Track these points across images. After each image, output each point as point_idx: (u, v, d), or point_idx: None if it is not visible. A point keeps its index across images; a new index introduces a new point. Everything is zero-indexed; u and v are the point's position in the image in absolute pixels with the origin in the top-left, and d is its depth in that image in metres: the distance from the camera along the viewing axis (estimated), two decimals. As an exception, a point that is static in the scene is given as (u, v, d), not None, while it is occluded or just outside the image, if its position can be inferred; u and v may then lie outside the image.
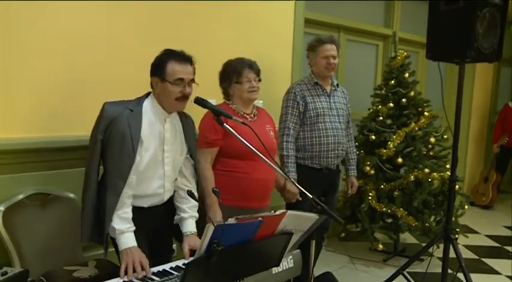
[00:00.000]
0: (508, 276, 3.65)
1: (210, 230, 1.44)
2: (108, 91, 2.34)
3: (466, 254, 4.06)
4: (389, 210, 3.65)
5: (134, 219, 1.95)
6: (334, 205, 3.27)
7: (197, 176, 2.25)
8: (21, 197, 2.21)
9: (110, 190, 1.90)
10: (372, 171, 3.74)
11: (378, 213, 3.73)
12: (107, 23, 2.52)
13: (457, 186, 3.25)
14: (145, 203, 2.05)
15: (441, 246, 2.97)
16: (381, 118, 3.82)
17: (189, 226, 2.10)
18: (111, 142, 1.92)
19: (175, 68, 1.96)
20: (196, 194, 2.05)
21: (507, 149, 5.90)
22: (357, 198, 3.76)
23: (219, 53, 2.69)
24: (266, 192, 2.48)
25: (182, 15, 2.84)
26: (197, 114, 2.31)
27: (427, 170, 3.61)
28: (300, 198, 2.73)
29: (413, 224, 3.60)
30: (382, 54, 4.87)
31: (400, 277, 3.01)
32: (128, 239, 1.89)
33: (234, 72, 2.44)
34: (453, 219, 3.59)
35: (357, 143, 3.85)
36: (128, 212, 1.93)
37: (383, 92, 3.94)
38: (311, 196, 1.84)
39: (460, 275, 2.87)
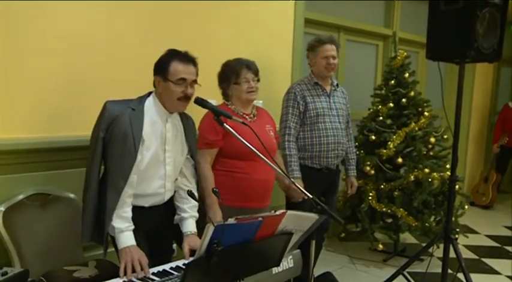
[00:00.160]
0: (508, 276, 3.65)
1: (210, 230, 1.44)
2: (108, 91, 2.34)
3: (466, 254, 4.06)
4: (389, 210, 3.65)
5: (134, 219, 1.95)
6: (334, 205, 3.27)
7: (197, 176, 2.25)
8: (21, 197, 2.21)
9: (111, 189, 1.90)
10: (372, 171, 3.74)
11: (378, 213, 3.73)
12: (107, 23, 2.52)
13: (457, 186, 3.25)
14: (146, 203, 2.05)
15: (441, 246, 2.97)
16: (381, 118, 3.82)
17: (189, 226, 2.10)
18: (112, 141, 1.92)
19: (178, 68, 1.96)
20: (196, 194, 2.05)
21: (507, 149, 5.90)
22: (357, 198, 3.76)
23: (219, 53, 2.69)
24: (266, 193, 2.48)
25: (182, 15, 2.84)
26: (197, 114, 2.31)
27: (427, 170, 3.61)
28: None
29: (413, 224, 3.60)
30: (382, 54, 4.87)
31: (400, 277, 3.01)
32: (127, 238, 1.89)
33: (232, 73, 2.43)
34: (453, 219, 3.59)
35: (357, 143, 3.85)
36: (127, 211, 1.93)
37: (383, 92, 3.94)
38: (311, 196, 1.84)
39: (460, 275, 2.87)
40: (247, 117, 2.47)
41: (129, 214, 1.94)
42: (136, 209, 1.98)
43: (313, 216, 1.78)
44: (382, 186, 3.69)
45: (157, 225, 2.12)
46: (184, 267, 1.86)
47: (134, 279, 1.76)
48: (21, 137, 2.27)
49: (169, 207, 2.15)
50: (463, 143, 5.93)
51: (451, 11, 2.64)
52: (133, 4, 2.60)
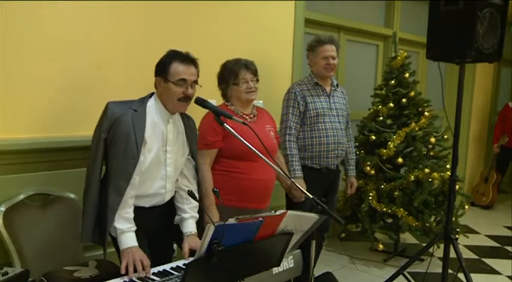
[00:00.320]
0: (508, 276, 3.65)
1: (210, 230, 1.44)
2: (109, 92, 2.34)
3: (467, 254, 4.07)
4: (389, 210, 3.65)
5: (135, 219, 1.95)
6: (334, 205, 3.27)
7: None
8: (21, 197, 2.21)
9: (113, 190, 1.89)
10: (372, 171, 3.74)
11: (378, 213, 3.72)
12: (109, 24, 2.52)
13: (457, 186, 3.26)
14: (147, 203, 2.05)
15: (441, 246, 2.97)
16: (381, 118, 3.82)
17: (190, 226, 2.10)
18: (114, 142, 1.91)
19: (178, 69, 1.96)
20: (197, 194, 2.05)
21: (507, 149, 5.90)
22: (357, 198, 3.77)
23: (219, 53, 2.69)
24: (266, 193, 2.48)
25: (183, 16, 2.84)
26: (198, 114, 2.31)
27: (427, 170, 3.61)
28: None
29: (414, 224, 3.60)
30: (382, 54, 4.87)
31: (401, 277, 3.02)
32: (129, 239, 1.89)
33: (230, 74, 2.43)
34: (453, 219, 3.59)
35: (357, 143, 3.86)
36: (129, 212, 1.93)
37: (383, 92, 3.95)
38: (311, 196, 1.84)
39: (461, 275, 2.87)
40: (247, 117, 2.47)
41: (131, 215, 1.94)
42: (136, 209, 1.98)
43: (313, 217, 1.78)
44: (382, 186, 3.70)
45: (157, 226, 2.12)
46: (184, 267, 1.86)
47: (134, 279, 1.76)
48: (22, 137, 2.26)
49: (170, 207, 2.15)
50: (464, 143, 5.93)
51: (451, 11, 2.64)
52: (135, 5, 2.60)
